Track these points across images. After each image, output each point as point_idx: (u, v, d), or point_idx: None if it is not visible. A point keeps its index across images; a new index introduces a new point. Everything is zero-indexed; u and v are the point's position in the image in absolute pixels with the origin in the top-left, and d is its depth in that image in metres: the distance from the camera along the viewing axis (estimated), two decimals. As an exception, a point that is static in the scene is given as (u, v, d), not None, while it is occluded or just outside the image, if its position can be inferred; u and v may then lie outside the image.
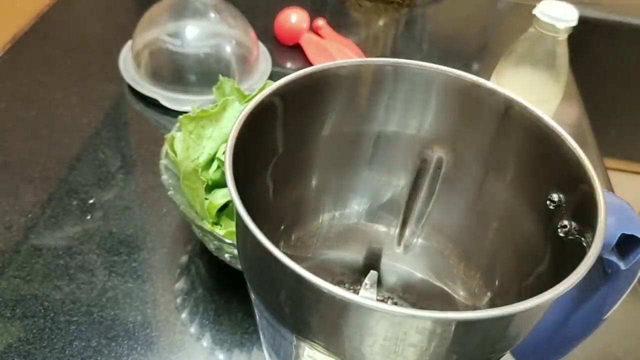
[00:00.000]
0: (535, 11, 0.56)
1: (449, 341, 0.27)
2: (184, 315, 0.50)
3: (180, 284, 0.52)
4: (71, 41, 0.81)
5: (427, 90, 0.38)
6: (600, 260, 0.34)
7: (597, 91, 0.90)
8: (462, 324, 0.26)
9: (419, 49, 0.89)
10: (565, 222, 0.33)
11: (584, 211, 0.31)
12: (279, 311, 0.31)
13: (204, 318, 0.50)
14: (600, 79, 1.03)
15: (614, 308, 0.40)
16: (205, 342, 0.48)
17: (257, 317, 0.35)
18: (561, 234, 0.33)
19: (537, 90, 0.60)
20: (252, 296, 0.33)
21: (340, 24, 0.86)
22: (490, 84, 0.36)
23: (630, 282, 0.34)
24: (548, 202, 0.35)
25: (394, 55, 0.80)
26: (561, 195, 0.34)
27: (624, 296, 0.35)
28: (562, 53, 0.57)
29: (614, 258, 0.32)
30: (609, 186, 0.66)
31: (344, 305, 0.26)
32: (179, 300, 0.51)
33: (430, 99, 0.38)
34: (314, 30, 0.84)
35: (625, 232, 0.31)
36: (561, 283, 0.26)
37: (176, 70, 0.70)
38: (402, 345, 0.27)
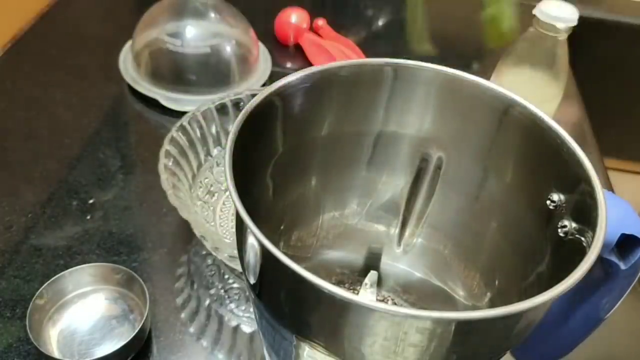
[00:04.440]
0: (535, 11, 0.56)
1: (449, 341, 0.27)
2: (183, 315, 0.50)
3: (180, 284, 0.52)
4: (71, 41, 0.81)
5: (427, 90, 0.38)
6: (600, 260, 0.34)
7: (597, 91, 0.90)
8: (462, 324, 0.26)
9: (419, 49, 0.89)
10: (566, 222, 0.33)
11: (584, 211, 0.31)
12: (279, 311, 0.31)
13: (204, 317, 0.50)
14: (600, 79, 1.03)
15: (614, 308, 0.40)
16: (205, 341, 0.48)
17: (257, 317, 0.35)
18: (561, 234, 0.33)
19: (537, 90, 0.59)
20: (252, 296, 0.33)
21: (340, 24, 0.86)
22: (490, 83, 0.36)
23: (631, 282, 0.34)
24: (548, 202, 0.35)
25: (394, 55, 0.80)
26: (561, 195, 0.34)
27: (625, 296, 0.35)
28: (562, 53, 0.57)
29: (614, 258, 0.32)
30: (609, 186, 0.66)
31: (343, 305, 0.26)
32: (178, 300, 0.51)
33: (430, 99, 0.38)
34: (314, 30, 0.84)
35: (626, 232, 0.31)
36: (561, 283, 0.26)
37: (176, 70, 0.70)
38: (402, 345, 0.27)
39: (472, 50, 0.90)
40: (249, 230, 0.27)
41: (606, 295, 0.35)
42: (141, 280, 0.47)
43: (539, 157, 0.35)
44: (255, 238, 0.27)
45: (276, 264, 0.26)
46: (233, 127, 0.31)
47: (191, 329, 0.49)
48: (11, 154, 0.64)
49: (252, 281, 0.32)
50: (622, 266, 0.32)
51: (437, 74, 0.37)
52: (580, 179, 0.32)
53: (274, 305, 0.31)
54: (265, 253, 0.27)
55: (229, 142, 0.31)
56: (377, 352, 0.28)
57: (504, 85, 0.60)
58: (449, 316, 0.25)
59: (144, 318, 0.45)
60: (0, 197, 0.58)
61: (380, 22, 0.94)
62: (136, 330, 0.44)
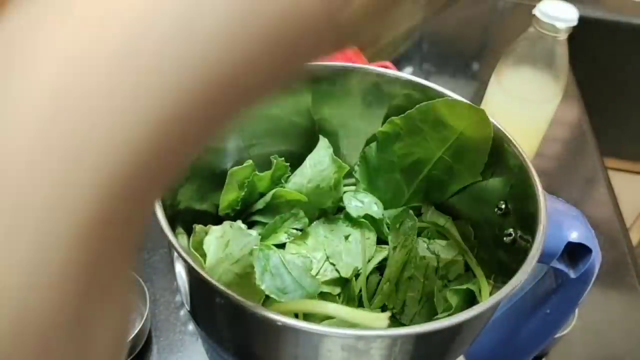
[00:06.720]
0: (535, 11, 0.56)
1: (389, 353, 0.26)
2: (183, 314, 0.50)
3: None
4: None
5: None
6: (552, 270, 0.33)
7: (597, 91, 0.90)
8: (400, 338, 0.25)
9: (419, 49, 0.89)
10: (511, 230, 0.32)
11: (529, 219, 0.30)
12: (217, 336, 0.30)
13: (204, 318, 0.50)
14: (600, 79, 1.03)
15: (571, 323, 0.38)
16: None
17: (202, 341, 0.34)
18: (507, 242, 0.33)
19: (536, 90, 0.59)
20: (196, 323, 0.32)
21: (340, 24, 0.86)
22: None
23: (583, 291, 0.32)
24: (496, 210, 0.34)
25: (393, 55, 0.80)
26: (509, 203, 0.34)
27: (578, 305, 0.34)
28: (562, 53, 0.57)
29: (562, 267, 0.31)
30: (609, 186, 0.66)
31: (280, 329, 0.25)
32: (178, 300, 0.51)
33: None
34: (314, 30, 0.84)
35: (572, 241, 0.30)
36: (481, 303, 0.25)
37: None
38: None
39: (472, 50, 0.90)
40: (171, 243, 0.26)
41: (558, 305, 0.34)
42: (141, 280, 0.47)
43: (490, 164, 0.35)
44: (178, 255, 0.26)
45: (203, 285, 0.25)
46: None
47: (191, 329, 0.49)
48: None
49: (187, 307, 0.31)
50: (572, 275, 0.31)
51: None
52: (525, 185, 0.31)
53: (211, 330, 0.30)
54: (192, 272, 0.26)
55: None
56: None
57: (504, 85, 0.60)
58: (377, 333, 0.25)
59: (144, 318, 0.45)
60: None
61: (380, 22, 0.94)
62: (136, 330, 0.44)
